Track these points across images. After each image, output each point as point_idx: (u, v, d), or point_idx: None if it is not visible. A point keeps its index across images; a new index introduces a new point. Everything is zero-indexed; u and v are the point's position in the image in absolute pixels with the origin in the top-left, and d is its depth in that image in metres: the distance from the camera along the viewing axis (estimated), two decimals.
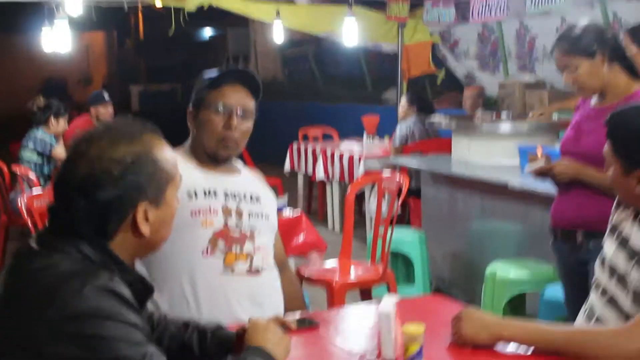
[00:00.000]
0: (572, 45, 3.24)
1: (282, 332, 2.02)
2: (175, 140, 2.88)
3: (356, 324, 2.51)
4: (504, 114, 6.24)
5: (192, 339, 2.13)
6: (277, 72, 18.60)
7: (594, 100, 3.38)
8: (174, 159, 1.91)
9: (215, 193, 2.77)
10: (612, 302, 2.41)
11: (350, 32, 8.27)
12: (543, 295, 4.15)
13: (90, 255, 1.76)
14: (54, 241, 1.78)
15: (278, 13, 8.74)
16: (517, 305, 4.76)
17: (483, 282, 4.65)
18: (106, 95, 8.14)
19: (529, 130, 5.57)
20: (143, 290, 1.86)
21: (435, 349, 2.20)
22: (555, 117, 5.76)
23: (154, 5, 8.58)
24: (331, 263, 4.81)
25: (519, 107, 6.88)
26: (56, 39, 7.59)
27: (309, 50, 16.33)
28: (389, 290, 4.62)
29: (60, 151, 7.20)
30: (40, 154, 7.25)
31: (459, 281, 5.83)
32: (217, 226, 2.71)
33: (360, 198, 7.82)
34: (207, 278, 2.67)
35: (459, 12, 8.47)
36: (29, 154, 7.26)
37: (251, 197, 2.85)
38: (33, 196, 4.35)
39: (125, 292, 1.71)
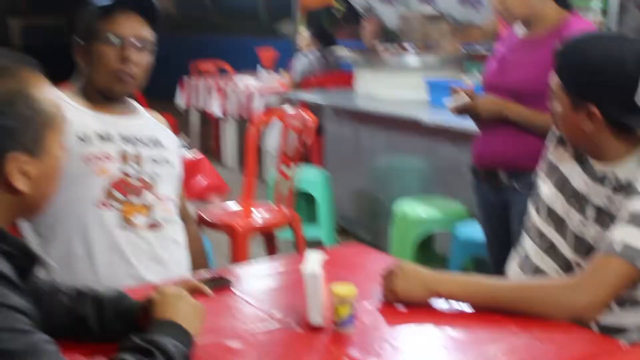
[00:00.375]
0: None
1: (195, 302, 1.74)
2: (63, 80, 2.57)
3: (271, 281, 2.26)
4: (408, 47, 6.04)
5: (86, 311, 1.80)
6: (169, 5, 18.00)
7: (520, 31, 3.16)
8: (57, 100, 1.60)
9: (110, 137, 2.47)
10: (551, 248, 2.23)
11: None
12: (455, 234, 3.99)
13: None
14: None
15: None
16: (425, 245, 4.63)
17: (389, 221, 4.48)
18: None
19: (435, 63, 5.38)
20: (26, 260, 1.55)
21: (365, 308, 1.97)
22: (460, 49, 5.61)
23: None
24: (233, 206, 4.53)
25: (420, 39, 6.70)
26: None
27: None
28: (294, 232, 4.41)
29: None
30: None
31: (365, 220, 5.67)
32: (113, 174, 2.42)
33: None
34: (102, 233, 2.39)
35: None
36: None
37: (151, 141, 2.56)
38: None
39: (3, 267, 1.40)
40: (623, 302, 2.07)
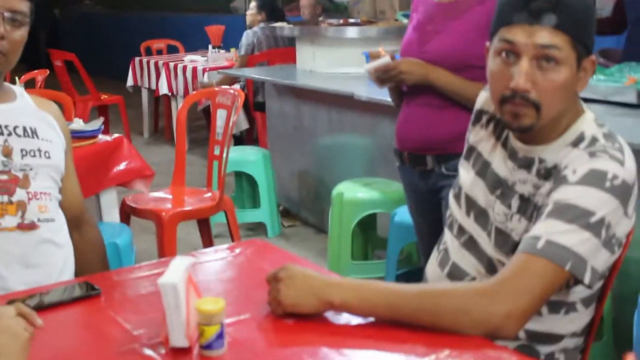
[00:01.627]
0: None
1: (16, 328, 1.38)
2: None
3: (151, 289, 1.84)
4: (352, 21, 5.71)
5: None
6: None
7: None
8: None
9: None
10: (471, 242, 1.89)
11: None
12: (393, 217, 3.67)
13: None
14: None
15: None
16: (368, 227, 4.34)
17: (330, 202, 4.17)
18: None
19: (377, 35, 5.05)
20: None
21: (246, 323, 1.62)
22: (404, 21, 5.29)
23: None
24: (162, 192, 4.24)
25: (369, 13, 6.42)
26: None
27: None
28: (226, 218, 4.09)
29: None
30: None
31: (308, 202, 5.38)
32: None
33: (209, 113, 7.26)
34: None
35: None
36: None
37: (25, 130, 2.20)
38: None
39: None
40: (554, 306, 1.75)
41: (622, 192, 1.63)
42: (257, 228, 5.25)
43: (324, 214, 4.87)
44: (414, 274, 3.98)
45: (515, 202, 1.78)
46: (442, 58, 2.67)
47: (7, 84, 2.31)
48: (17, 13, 2.11)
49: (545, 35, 1.66)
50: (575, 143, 1.71)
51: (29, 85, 5.03)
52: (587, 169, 1.63)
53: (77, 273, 2.28)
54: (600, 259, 1.62)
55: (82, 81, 8.19)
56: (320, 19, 6.40)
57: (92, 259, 2.42)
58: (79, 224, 2.41)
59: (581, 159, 1.65)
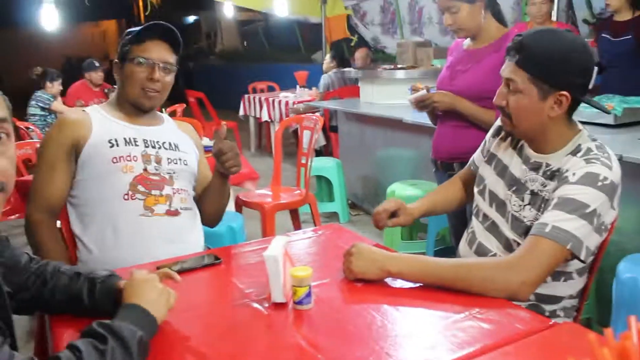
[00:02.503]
0: None
1: (162, 287, 1.37)
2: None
3: (258, 259, 1.82)
4: (400, 66, 5.62)
5: (82, 289, 1.47)
6: (238, 43, 17.84)
7: (466, 43, 2.70)
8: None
9: (135, 141, 2.12)
10: (493, 226, 1.81)
11: (281, 7, 7.86)
12: None
13: None
14: None
15: None
16: None
17: (385, 198, 4.09)
18: (97, 63, 7.26)
19: (418, 76, 4.96)
20: None
21: (327, 285, 1.58)
22: (438, 65, 5.19)
23: None
24: (265, 190, 4.21)
25: (411, 60, 6.32)
26: (46, 20, 6.61)
27: (259, 26, 15.73)
28: (310, 208, 4.05)
29: (57, 105, 6.55)
30: (42, 108, 6.56)
31: (369, 197, 5.28)
32: (137, 171, 2.07)
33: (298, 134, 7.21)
34: (128, 219, 2.04)
35: None
36: (32, 110, 6.59)
37: (170, 145, 2.20)
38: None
39: None
40: (556, 275, 1.66)
41: (610, 190, 1.54)
42: (332, 216, 5.21)
43: None
44: (447, 251, 3.89)
45: (527, 196, 1.70)
46: (466, 91, 2.58)
47: (157, 112, 2.31)
48: (167, 63, 2.13)
49: (510, 70, 1.66)
50: (574, 152, 1.62)
51: (171, 115, 5.10)
52: (584, 172, 1.54)
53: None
54: (593, 240, 1.54)
55: (208, 112, 8.28)
56: (371, 65, 6.35)
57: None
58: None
59: (579, 164, 1.57)
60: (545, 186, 1.65)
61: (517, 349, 1.22)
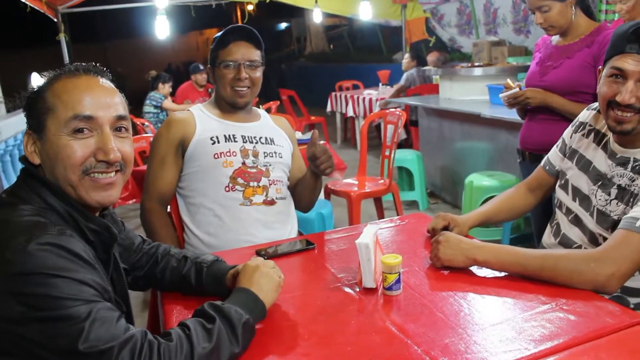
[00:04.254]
0: None
1: (273, 275, 1.33)
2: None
3: (349, 245, 1.78)
4: (477, 64, 5.42)
5: (190, 272, 1.48)
6: (325, 46, 17.89)
7: (555, 39, 2.53)
8: (71, 93, 1.15)
9: (234, 137, 2.12)
10: (577, 220, 1.68)
11: (365, 12, 7.74)
12: None
13: (54, 204, 1.12)
14: (21, 191, 1.13)
15: (316, 1, 7.87)
16: None
17: (463, 187, 3.95)
18: (201, 66, 7.44)
19: (494, 73, 4.76)
20: (109, 238, 1.20)
21: (414, 272, 1.51)
22: (513, 63, 4.97)
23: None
24: (351, 180, 4.15)
25: (487, 59, 6.10)
26: (159, 30, 6.82)
27: (344, 30, 15.67)
28: (393, 197, 3.97)
29: (167, 103, 6.80)
30: (155, 107, 6.83)
31: (447, 187, 5.14)
32: (236, 165, 2.07)
33: (380, 128, 7.16)
34: (229, 208, 2.05)
35: None
36: (147, 108, 6.89)
37: (266, 139, 2.18)
38: None
39: (77, 246, 1.05)
40: None
41: None
42: (412, 204, 5.10)
43: (458, 196, 4.68)
44: (521, 239, 3.71)
45: (614, 191, 1.56)
46: (557, 86, 2.42)
47: (255, 108, 2.30)
48: (252, 61, 2.11)
49: None
50: None
51: (267, 111, 5.13)
52: None
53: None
54: None
55: (299, 108, 8.32)
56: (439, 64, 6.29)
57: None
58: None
59: None
60: (634, 181, 1.50)
61: (609, 343, 1.11)
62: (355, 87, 9.61)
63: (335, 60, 15.37)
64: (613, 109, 1.51)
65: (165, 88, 6.89)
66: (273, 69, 18.12)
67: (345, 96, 8.18)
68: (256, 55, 2.13)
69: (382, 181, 4.05)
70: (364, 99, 7.59)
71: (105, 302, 1.04)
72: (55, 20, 7.13)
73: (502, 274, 1.45)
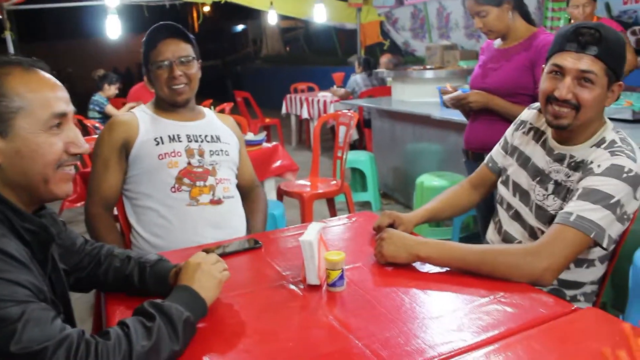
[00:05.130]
0: None
1: (214, 272, 1.32)
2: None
3: (295, 244, 1.78)
4: (428, 67, 5.50)
5: (133, 272, 1.45)
6: (281, 48, 17.85)
7: (497, 43, 2.59)
8: (41, 91, 1.14)
9: (178, 137, 2.08)
10: (517, 215, 1.73)
11: (320, 15, 7.79)
12: None
13: None
14: None
15: (272, 3, 7.85)
16: None
17: (415, 188, 4.00)
18: None
19: (445, 76, 4.85)
20: (46, 238, 1.17)
21: (359, 269, 1.52)
22: (464, 66, 5.07)
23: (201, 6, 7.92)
24: (304, 181, 4.15)
25: (439, 62, 6.20)
26: (110, 30, 6.61)
27: (300, 32, 15.67)
28: (345, 198, 3.99)
29: (110, 109, 6.54)
30: (99, 112, 6.58)
31: (399, 188, 5.20)
32: (181, 166, 2.04)
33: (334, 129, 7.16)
34: (176, 209, 2.02)
35: None
36: (91, 113, 6.59)
37: (212, 137, 2.15)
38: None
39: (9, 246, 1.02)
40: (579, 262, 1.57)
41: (633, 182, 1.44)
42: (365, 205, 5.13)
43: (410, 196, 4.71)
44: (472, 237, 3.79)
45: (550, 186, 1.61)
46: (497, 88, 2.48)
47: (198, 106, 2.23)
48: (184, 57, 2.05)
49: (589, 62, 1.48)
50: (599, 144, 1.52)
51: (220, 112, 5.08)
52: (609, 164, 1.44)
53: (249, 224, 2.20)
54: (615, 230, 1.45)
55: (253, 110, 8.27)
56: (391, 67, 6.40)
57: (260, 211, 2.30)
58: (252, 189, 2.32)
59: (604, 156, 1.47)
60: (569, 177, 1.56)
61: (540, 332, 1.14)
62: (310, 89, 9.61)
63: (291, 62, 15.36)
64: (552, 104, 1.55)
65: (111, 89, 6.64)
66: (228, 71, 17.99)
67: (300, 98, 8.19)
68: (187, 50, 2.07)
69: (334, 182, 4.06)
70: (318, 101, 7.60)
71: (40, 302, 1.01)
72: (0, 17, 6.89)
73: (445, 269, 1.47)
